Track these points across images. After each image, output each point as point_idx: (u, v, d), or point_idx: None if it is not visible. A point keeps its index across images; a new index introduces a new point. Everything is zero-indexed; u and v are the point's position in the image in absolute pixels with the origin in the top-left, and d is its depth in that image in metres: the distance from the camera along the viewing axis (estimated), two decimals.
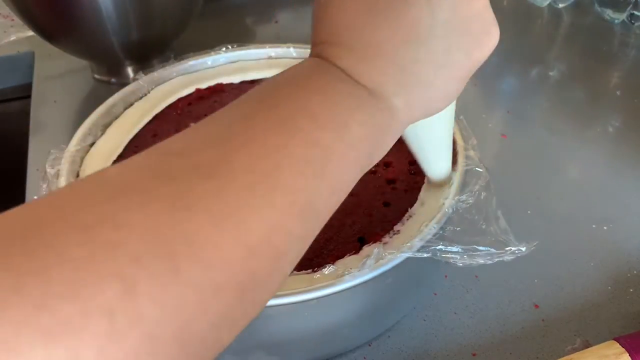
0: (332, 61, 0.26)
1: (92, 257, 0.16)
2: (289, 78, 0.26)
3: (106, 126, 0.48)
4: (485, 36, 0.28)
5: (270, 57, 0.56)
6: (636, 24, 0.82)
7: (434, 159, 0.37)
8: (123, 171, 0.20)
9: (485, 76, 0.74)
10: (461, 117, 0.45)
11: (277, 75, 0.26)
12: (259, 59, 0.56)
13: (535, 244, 0.36)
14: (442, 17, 0.25)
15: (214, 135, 0.22)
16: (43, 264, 0.15)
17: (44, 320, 0.14)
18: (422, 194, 0.40)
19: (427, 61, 0.26)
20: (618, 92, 0.71)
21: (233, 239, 0.19)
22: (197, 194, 0.19)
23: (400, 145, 0.45)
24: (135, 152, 0.47)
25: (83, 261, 0.16)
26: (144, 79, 0.51)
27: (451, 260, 0.35)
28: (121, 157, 0.45)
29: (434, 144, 0.36)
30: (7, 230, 0.16)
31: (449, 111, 0.34)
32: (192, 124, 0.22)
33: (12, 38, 0.81)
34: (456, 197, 0.38)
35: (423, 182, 0.41)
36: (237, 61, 0.56)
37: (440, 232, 0.36)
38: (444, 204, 0.37)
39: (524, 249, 0.36)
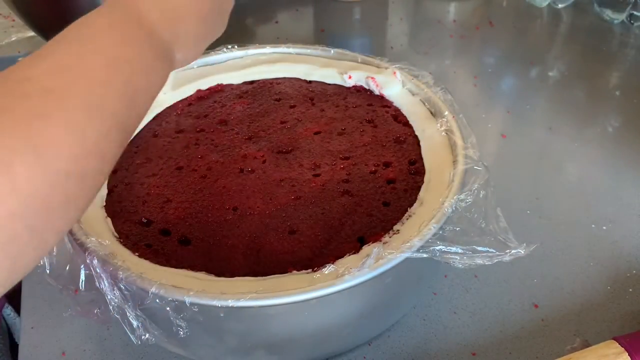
0: (144, 10, 0.32)
1: None
2: (78, 25, 0.32)
3: None
4: (222, 26, 0.39)
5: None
6: (635, 24, 0.82)
7: None
8: None
9: (485, 76, 0.74)
10: (461, 115, 0.45)
11: (91, 22, 0.32)
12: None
13: (534, 246, 0.36)
14: (218, 3, 0.37)
15: (53, 66, 0.26)
16: None
17: None
18: (422, 194, 0.40)
19: (204, 31, 0.36)
20: (617, 92, 0.71)
21: (74, 141, 0.25)
22: (43, 110, 0.24)
23: (400, 146, 0.45)
24: (135, 153, 0.47)
25: None
26: None
27: (450, 261, 0.35)
28: (121, 158, 0.45)
29: None
30: None
31: None
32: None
33: (13, 38, 0.81)
34: (455, 196, 0.38)
35: (423, 182, 0.41)
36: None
37: (440, 232, 0.36)
38: (443, 203, 0.38)
39: (522, 251, 0.36)
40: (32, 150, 0.22)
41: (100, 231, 0.38)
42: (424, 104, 0.49)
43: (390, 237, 0.37)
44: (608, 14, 0.83)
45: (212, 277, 0.35)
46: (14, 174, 0.22)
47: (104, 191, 0.42)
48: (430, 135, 0.45)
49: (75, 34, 0.30)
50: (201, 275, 0.35)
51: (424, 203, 0.39)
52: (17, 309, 0.47)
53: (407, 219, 0.38)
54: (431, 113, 0.48)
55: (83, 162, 0.25)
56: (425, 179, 0.42)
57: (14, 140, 0.22)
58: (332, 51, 0.55)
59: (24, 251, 0.23)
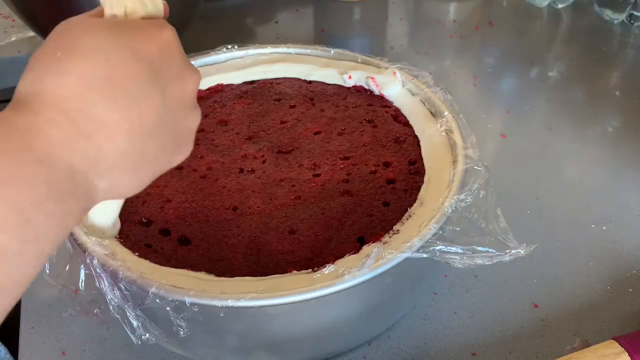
0: (49, 129, 0.24)
1: None
2: None
3: None
4: (186, 147, 0.31)
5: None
6: (635, 24, 0.82)
7: (103, 217, 0.36)
8: None
9: (485, 76, 0.74)
10: (460, 115, 0.45)
11: None
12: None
13: (534, 246, 0.36)
14: (167, 119, 0.28)
15: None
16: None
17: None
18: (422, 194, 0.40)
19: (142, 152, 0.27)
20: (617, 92, 0.71)
21: None
22: None
23: (400, 146, 0.45)
24: None
25: None
26: None
27: (450, 261, 0.35)
28: None
29: (108, 208, 0.36)
30: None
31: None
32: None
33: (13, 39, 0.81)
34: (455, 196, 0.38)
35: (423, 182, 0.41)
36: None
37: (440, 232, 0.36)
38: (443, 203, 0.38)
39: (522, 251, 0.36)
40: None
41: None
42: (424, 104, 0.49)
43: (390, 237, 0.37)
44: (608, 14, 0.83)
45: (212, 277, 0.35)
46: None
47: None
48: (430, 135, 0.45)
49: None
50: (201, 275, 0.35)
51: (424, 203, 0.39)
52: (13, 351, 0.46)
53: (407, 219, 0.38)
54: (431, 113, 0.48)
55: None
56: (425, 179, 0.42)
57: None
58: (332, 51, 0.55)
59: None
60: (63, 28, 0.27)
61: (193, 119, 0.31)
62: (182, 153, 0.31)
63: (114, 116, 0.25)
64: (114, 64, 0.26)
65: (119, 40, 0.26)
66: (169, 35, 0.29)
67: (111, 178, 0.26)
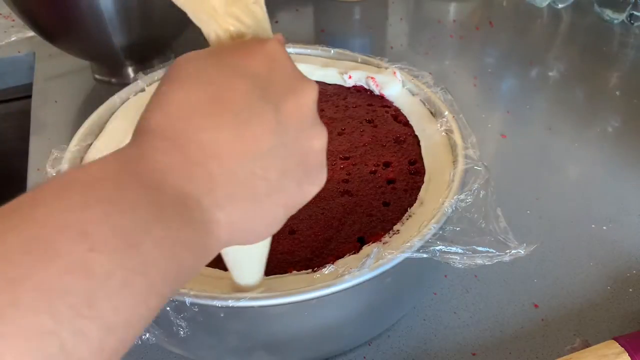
0: (153, 156, 0.22)
1: None
2: (72, 180, 0.21)
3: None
4: (317, 173, 0.27)
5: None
6: (635, 24, 0.82)
7: (249, 273, 0.33)
8: None
9: (485, 76, 0.74)
10: (461, 115, 0.45)
11: (60, 175, 0.22)
12: None
13: (534, 246, 0.36)
14: (285, 139, 0.25)
15: None
16: None
17: None
18: (422, 194, 0.40)
19: (262, 178, 0.24)
20: (617, 92, 0.71)
21: None
22: None
23: (400, 146, 0.45)
24: None
25: None
26: (144, 79, 0.51)
27: (450, 261, 0.35)
28: None
29: (251, 262, 0.33)
30: None
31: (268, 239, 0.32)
32: None
33: (13, 38, 0.81)
34: (455, 196, 0.38)
35: (423, 182, 0.41)
36: None
37: (440, 232, 0.36)
38: (443, 203, 0.38)
39: (522, 251, 0.36)
40: None
41: None
42: (424, 104, 0.49)
43: (390, 237, 0.37)
44: (608, 14, 0.83)
45: (218, 272, 0.35)
46: None
47: None
48: (430, 135, 0.45)
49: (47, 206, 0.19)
50: (206, 270, 0.35)
51: (424, 203, 0.39)
52: None
53: (407, 219, 0.38)
54: (431, 113, 0.48)
55: None
56: (425, 179, 0.42)
57: None
58: (332, 51, 0.55)
59: None
60: (172, 64, 0.26)
61: (318, 138, 0.27)
62: (314, 181, 0.27)
63: (223, 139, 0.23)
64: (217, 85, 0.24)
65: (219, 61, 0.25)
66: (273, 46, 0.26)
67: (232, 210, 0.23)
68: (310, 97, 0.26)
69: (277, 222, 0.26)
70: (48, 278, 0.17)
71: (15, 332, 0.16)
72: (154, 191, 0.21)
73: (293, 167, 0.25)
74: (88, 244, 0.18)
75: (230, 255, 0.31)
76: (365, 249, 0.36)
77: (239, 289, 0.33)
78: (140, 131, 0.24)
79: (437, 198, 0.39)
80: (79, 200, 0.19)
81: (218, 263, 0.36)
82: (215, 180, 0.23)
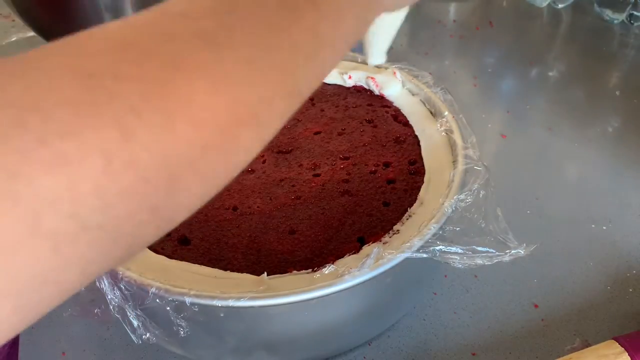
0: None
1: (92, 103, 0.16)
2: None
3: None
4: None
5: None
6: (635, 24, 0.82)
7: (382, 45, 0.40)
8: (124, 26, 0.20)
9: (485, 76, 0.74)
10: (460, 115, 0.45)
11: None
12: None
13: (533, 246, 0.36)
14: None
15: (220, 2, 0.21)
16: (44, 103, 0.16)
17: (45, 153, 0.15)
18: (422, 194, 0.40)
19: None
20: (617, 92, 0.71)
21: (226, 106, 0.19)
22: (197, 59, 0.19)
23: (400, 146, 0.45)
24: None
25: (83, 105, 0.16)
26: None
27: (450, 261, 0.35)
28: None
29: (387, 33, 0.39)
30: (10, 67, 0.17)
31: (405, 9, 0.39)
32: None
33: (13, 39, 0.81)
34: (455, 196, 0.38)
35: (423, 182, 0.41)
36: None
37: (440, 232, 0.36)
38: (443, 203, 0.38)
39: (522, 251, 0.36)
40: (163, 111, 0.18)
41: None
42: (424, 104, 0.49)
43: (390, 237, 0.37)
44: (608, 14, 0.83)
45: (218, 272, 0.35)
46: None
47: None
48: (430, 135, 0.45)
49: None
50: (206, 269, 0.35)
51: (424, 203, 0.39)
52: None
53: (407, 219, 0.38)
54: (431, 113, 0.48)
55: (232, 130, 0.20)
56: (425, 179, 0.42)
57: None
58: None
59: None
60: None
61: None
62: None
63: None
64: None
65: None
66: None
67: None
68: None
69: None
70: (294, 33, 0.22)
71: (272, 65, 0.21)
72: None
73: None
74: (319, 12, 0.24)
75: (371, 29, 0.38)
76: (365, 249, 0.36)
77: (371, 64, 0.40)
78: None
79: (437, 198, 0.39)
80: None
81: (218, 262, 0.37)
82: None
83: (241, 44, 0.20)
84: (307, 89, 0.24)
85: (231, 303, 0.32)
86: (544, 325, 0.43)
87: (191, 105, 0.18)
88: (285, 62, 0.22)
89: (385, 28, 0.39)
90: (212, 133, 0.19)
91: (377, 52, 0.39)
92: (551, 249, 0.49)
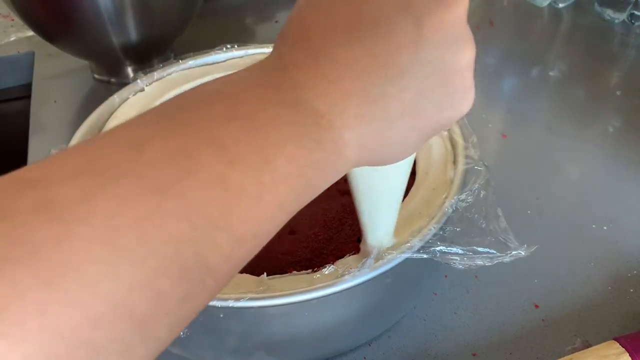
0: (290, 69, 0.22)
1: None
2: (212, 92, 0.21)
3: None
4: (462, 95, 0.25)
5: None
6: (636, 23, 0.82)
7: (381, 219, 0.32)
8: None
9: (485, 76, 0.74)
10: None
11: (207, 83, 0.22)
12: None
13: (534, 247, 0.36)
14: (426, 54, 0.23)
15: (84, 162, 0.17)
16: None
17: None
18: (422, 194, 0.40)
19: (396, 98, 0.22)
20: (618, 92, 0.71)
21: (72, 304, 0.15)
22: (35, 241, 0.15)
23: None
24: None
25: None
26: (143, 79, 0.51)
27: (451, 262, 0.35)
28: None
29: (385, 200, 0.31)
30: None
31: (407, 167, 0.30)
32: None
33: (12, 38, 0.81)
34: (456, 196, 0.38)
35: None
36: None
37: (440, 232, 0.36)
38: (443, 204, 0.37)
39: (523, 252, 0.36)
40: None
41: None
42: None
43: None
44: (609, 13, 0.83)
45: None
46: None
47: None
48: None
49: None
50: None
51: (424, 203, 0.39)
52: None
53: None
54: None
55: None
56: (425, 178, 0.42)
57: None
58: None
59: None
60: None
61: (464, 53, 0.24)
62: (456, 106, 0.24)
63: (357, 55, 0.22)
64: None
65: None
66: None
67: (362, 130, 0.22)
68: (461, 8, 0.24)
69: (410, 146, 0.24)
70: (189, 189, 0.18)
71: (158, 235, 0.17)
72: (291, 109, 0.21)
73: (432, 88, 0.23)
74: (227, 159, 0.19)
75: (363, 191, 0.30)
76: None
77: (366, 253, 0.32)
78: (281, 42, 0.24)
79: (438, 198, 0.39)
80: (222, 113, 0.20)
81: None
82: (348, 100, 0.22)
83: (100, 214, 0.16)
84: (222, 259, 0.19)
85: (231, 304, 0.32)
86: (545, 325, 0.43)
87: (20, 311, 0.14)
88: (170, 228, 0.17)
89: (382, 189, 0.30)
90: (54, 344, 0.15)
91: (377, 227, 0.32)
92: (552, 249, 0.49)
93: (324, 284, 0.33)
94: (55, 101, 0.70)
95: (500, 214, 0.38)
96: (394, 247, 0.35)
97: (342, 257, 0.36)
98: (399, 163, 0.25)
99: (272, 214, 0.21)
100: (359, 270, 0.33)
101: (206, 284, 0.19)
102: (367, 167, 0.26)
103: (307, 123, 0.21)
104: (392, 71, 0.22)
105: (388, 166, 0.25)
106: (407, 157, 0.25)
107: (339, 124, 0.22)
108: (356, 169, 0.26)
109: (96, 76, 0.73)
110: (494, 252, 0.35)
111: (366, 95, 0.22)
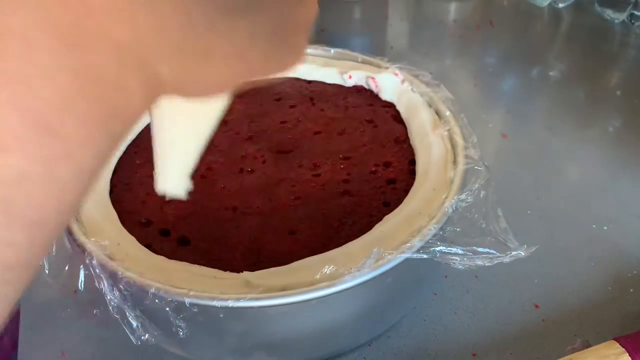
0: None
1: None
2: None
3: None
4: (291, 51, 0.23)
5: None
6: (636, 24, 0.82)
7: (175, 160, 0.28)
8: None
9: (485, 76, 0.74)
10: (462, 115, 0.45)
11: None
12: None
13: (534, 248, 0.36)
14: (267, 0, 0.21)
15: None
16: None
17: None
18: (422, 194, 0.40)
19: (225, 36, 0.19)
20: (618, 92, 0.71)
21: None
22: None
23: (400, 146, 0.45)
24: (135, 153, 0.47)
25: None
26: None
27: (451, 262, 0.35)
28: (121, 158, 0.45)
29: (184, 141, 0.27)
30: None
31: (214, 113, 0.26)
32: None
33: None
34: (456, 196, 0.38)
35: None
36: None
37: (440, 232, 0.36)
38: (443, 204, 0.37)
39: (523, 252, 0.36)
40: None
41: (101, 231, 0.38)
42: (425, 103, 0.49)
43: None
44: (609, 13, 0.83)
45: (217, 272, 0.35)
46: None
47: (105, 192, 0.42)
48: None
49: None
50: (205, 270, 0.35)
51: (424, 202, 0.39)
52: None
53: None
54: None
55: None
56: (425, 178, 0.42)
57: None
58: (332, 51, 0.55)
59: None
60: None
61: (305, 8, 0.23)
62: (286, 56, 0.23)
63: None
64: None
65: None
66: None
67: (178, 60, 0.18)
68: None
69: (222, 86, 0.22)
70: None
71: None
72: (77, 48, 0.15)
73: (265, 36, 0.21)
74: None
75: (159, 131, 0.25)
76: None
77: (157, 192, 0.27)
78: None
79: (438, 198, 0.39)
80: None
81: (218, 263, 0.36)
82: (168, 29, 0.17)
83: None
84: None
85: (231, 304, 0.32)
86: (545, 325, 0.43)
87: None
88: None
89: (181, 133, 0.26)
90: None
91: (169, 171, 0.27)
92: (552, 249, 0.49)
93: (324, 284, 0.33)
94: None
95: (500, 214, 0.38)
96: (394, 248, 0.35)
97: None
98: (208, 106, 0.23)
99: (74, 184, 0.16)
100: (359, 271, 0.33)
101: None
102: (173, 101, 0.22)
103: (100, 63, 0.16)
104: (225, 7, 0.19)
105: (196, 104, 0.23)
106: (213, 94, 0.22)
107: (154, 60, 0.18)
108: (163, 100, 0.22)
109: None
110: (494, 252, 0.35)
111: (192, 26, 0.18)
